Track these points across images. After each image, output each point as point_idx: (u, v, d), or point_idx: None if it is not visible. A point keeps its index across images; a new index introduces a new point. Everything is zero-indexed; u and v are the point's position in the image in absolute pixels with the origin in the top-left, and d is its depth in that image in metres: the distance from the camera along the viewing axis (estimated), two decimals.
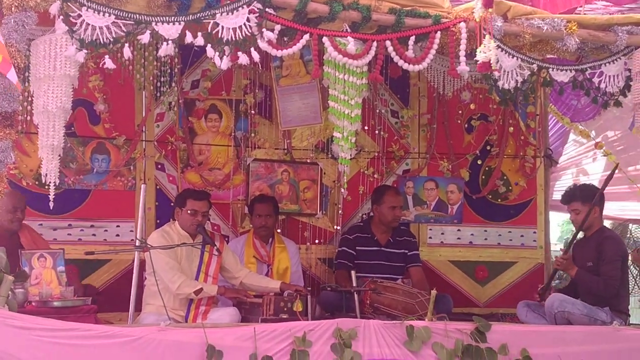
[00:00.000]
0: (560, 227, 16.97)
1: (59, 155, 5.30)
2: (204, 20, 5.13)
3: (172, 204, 7.18)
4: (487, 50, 5.31)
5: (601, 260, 6.54)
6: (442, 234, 8.52)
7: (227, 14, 5.13)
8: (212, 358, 5.17)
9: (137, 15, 5.06)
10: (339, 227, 8.19)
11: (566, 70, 5.85)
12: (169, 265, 6.34)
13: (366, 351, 5.48)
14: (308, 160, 8.23)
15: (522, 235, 8.57)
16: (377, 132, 8.27)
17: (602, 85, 5.95)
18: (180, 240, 6.46)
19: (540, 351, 5.73)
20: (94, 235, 7.70)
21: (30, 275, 5.99)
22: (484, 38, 5.36)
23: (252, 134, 8.06)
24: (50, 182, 5.27)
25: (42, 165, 5.26)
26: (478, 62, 5.34)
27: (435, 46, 5.55)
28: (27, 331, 4.96)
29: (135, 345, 5.09)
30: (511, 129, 8.43)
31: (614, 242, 6.71)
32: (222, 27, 5.13)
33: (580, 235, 6.87)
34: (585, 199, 6.70)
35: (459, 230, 8.53)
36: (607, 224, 9.93)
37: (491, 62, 5.33)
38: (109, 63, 5.09)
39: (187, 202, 6.58)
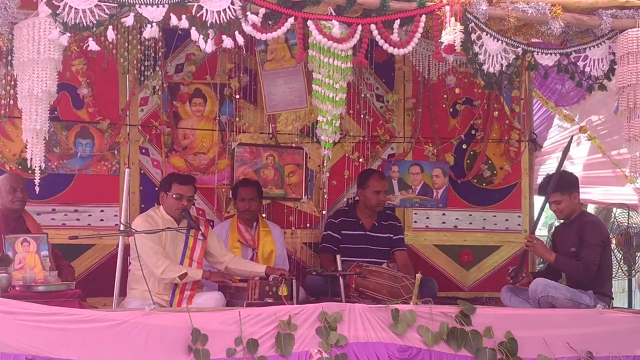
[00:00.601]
0: (544, 212, 16.97)
1: (44, 139, 5.27)
2: (188, 3, 5.10)
3: (156, 189, 7.16)
4: (452, 33, 5.30)
5: (582, 244, 6.57)
6: (427, 218, 8.53)
7: None
8: (197, 341, 5.19)
9: None
10: (324, 212, 8.18)
11: (551, 53, 5.84)
12: (153, 250, 6.32)
13: (352, 334, 5.51)
14: (293, 145, 8.21)
15: (506, 220, 8.59)
16: (362, 116, 8.25)
17: (587, 69, 5.93)
18: (164, 225, 6.44)
19: (525, 334, 5.77)
20: (77, 219, 7.67)
21: (14, 260, 5.97)
22: (451, 21, 5.36)
23: (237, 118, 8.03)
24: (35, 167, 5.25)
25: (27, 150, 5.24)
26: (443, 45, 5.33)
27: (420, 30, 5.52)
28: (11, 315, 4.97)
29: (120, 330, 5.11)
30: (496, 113, 8.44)
31: (594, 226, 6.75)
32: (206, 10, 5.10)
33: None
34: (563, 188, 6.73)
35: (444, 214, 8.54)
36: (591, 208, 9.98)
37: (455, 44, 5.32)
38: (92, 45, 5.06)
39: (173, 186, 6.56)
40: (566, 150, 7.05)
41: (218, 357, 5.24)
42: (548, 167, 8.85)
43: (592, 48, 5.92)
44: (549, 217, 16.33)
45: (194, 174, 7.70)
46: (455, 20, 5.33)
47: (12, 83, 5.85)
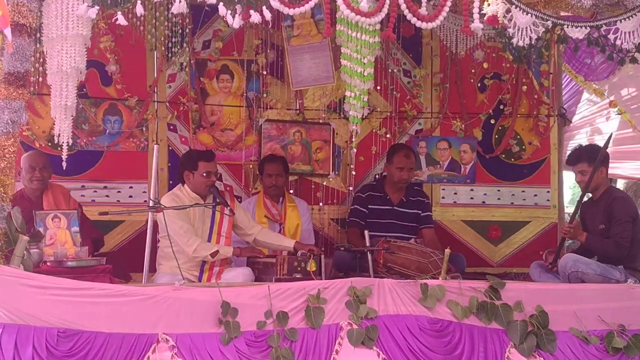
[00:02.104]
0: (571, 189, 16.88)
1: (72, 116, 5.31)
2: None
3: (180, 168, 7.03)
4: (495, 3, 5.25)
5: (611, 221, 6.52)
6: (455, 193, 8.51)
7: None
8: (227, 314, 5.22)
9: None
10: (351, 188, 8.18)
11: (581, 26, 5.77)
12: (184, 229, 6.33)
13: (381, 308, 5.53)
14: (320, 121, 8.22)
15: (535, 195, 8.55)
16: (389, 91, 8.23)
17: (618, 42, 5.85)
18: (191, 203, 6.44)
19: (556, 308, 5.75)
20: (107, 196, 7.74)
21: (45, 236, 6.02)
22: None
23: (264, 95, 8.05)
24: (63, 143, 5.29)
25: (55, 126, 5.29)
26: (486, 16, 5.28)
27: (449, 3, 5.47)
28: (43, 290, 5.00)
29: (151, 303, 5.15)
30: (525, 87, 8.39)
31: (623, 202, 6.69)
32: None
33: (588, 197, 6.86)
34: (591, 159, 6.66)
35: (472, 190, 8.52)
36: (620, 183, 9.92)
37: (498, 15, 5.27)
38: (121, 19, 5.06)
39: (199, 164, 6.55)
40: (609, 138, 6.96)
41: (248, 330, 5.27)
42: (577, 142, 8.79)
43: (623, 21, 5.82)
44: (575, 194, 16.28)
45: (222, 151, 7.75)
46: None
47: (41, 60, 5.88)
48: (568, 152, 8.69)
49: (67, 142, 5.33)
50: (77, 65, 5.12)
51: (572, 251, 7.09)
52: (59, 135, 5.31)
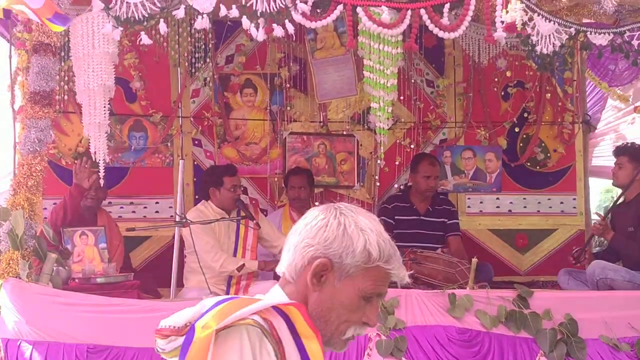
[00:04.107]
0: (599, 195, 16.80)
1: (106, 132, 5.36)
2: None
3: (204, 185, 6.92)
4: (513, 10, 5.24)
5: None
6: (481, 202, 8.47)
7: None
8: None
9: None
10: (376, 199, 8.17)
11: (604, 33, 5.76)
12: (210, 245, 6.36)
13: (409, 318, 5.51)
14: (344, 133, 8.22)
15: (561, 202, 8.49)
16: (413, 102, 8.22)
17: None
18: (216, 218, 6.46)
19: (585, 316, 5.70)
20: (133, 212, 7.78)
21: (72, 253, 6.06)
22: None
23: (288, 108, 8.06)
24: (99, 160, 5.35)
25: (91, 143, 5.36)
26: (504, 24, 5.27)
27: (471, 13, 5.48)
28: (72, 307, 5.05)
29: None
30: (548, 95, 8.33)
31: None
32: (256, 0, 5.12)
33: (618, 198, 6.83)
34: (633, 156, 6.62)
35: (497, 198, 8.47)
36: None
37: (516, 22, 5.25)
38: (144, 39, 5.12)
39: (225, 180, 6.58)
40: None
41: None
42: (602, 148, 8.75)
43: None
44: (602, 200, 16.20)
45: (247, 164, 7.77)
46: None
47: (66, 78, 5.94)
48: (594, 158, 8.70)
49: (104, 159, 5.40)
50: (104, 82, 5.17)
51: (597, 253, 7.07)
52: (95, 152, 5.37)
